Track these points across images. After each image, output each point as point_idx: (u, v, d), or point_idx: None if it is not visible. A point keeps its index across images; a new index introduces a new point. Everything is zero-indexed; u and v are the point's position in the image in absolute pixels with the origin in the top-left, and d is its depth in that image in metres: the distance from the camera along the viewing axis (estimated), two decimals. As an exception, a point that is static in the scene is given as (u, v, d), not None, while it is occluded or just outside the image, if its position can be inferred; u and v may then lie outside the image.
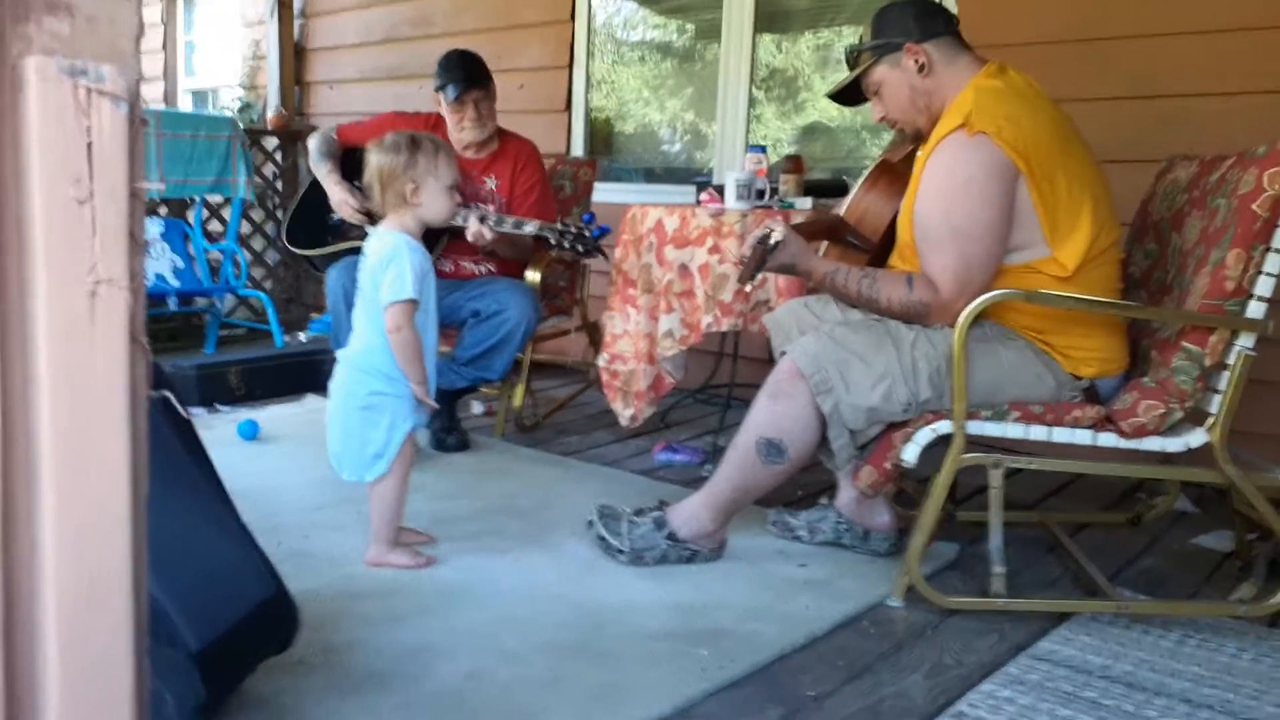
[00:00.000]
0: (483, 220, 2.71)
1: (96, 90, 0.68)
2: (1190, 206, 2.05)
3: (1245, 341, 1.86)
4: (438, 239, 2.93)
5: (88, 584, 0.68)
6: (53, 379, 0.67)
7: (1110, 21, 2.96)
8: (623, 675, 1.66)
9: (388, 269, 2.02)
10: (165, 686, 1.15)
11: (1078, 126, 2.05)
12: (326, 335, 3.41)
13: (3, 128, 0.63)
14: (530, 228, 2.74)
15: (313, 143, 3.20)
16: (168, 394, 1.29)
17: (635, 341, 2.89)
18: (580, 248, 2.69)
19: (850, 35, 3.66)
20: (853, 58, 2.18)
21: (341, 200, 3.05)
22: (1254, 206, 1.80)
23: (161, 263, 4.41)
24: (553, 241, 2.72)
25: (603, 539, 2.16)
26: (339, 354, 2.14)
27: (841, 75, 2.23)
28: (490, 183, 3.12)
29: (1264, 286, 1.84)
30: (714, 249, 2.71)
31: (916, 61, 2.07)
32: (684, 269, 2.78)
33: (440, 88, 3.05)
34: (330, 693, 1.57)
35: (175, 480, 1.32)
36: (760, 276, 2.32)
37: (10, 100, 0.63)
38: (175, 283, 4.43)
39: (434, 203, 2.11)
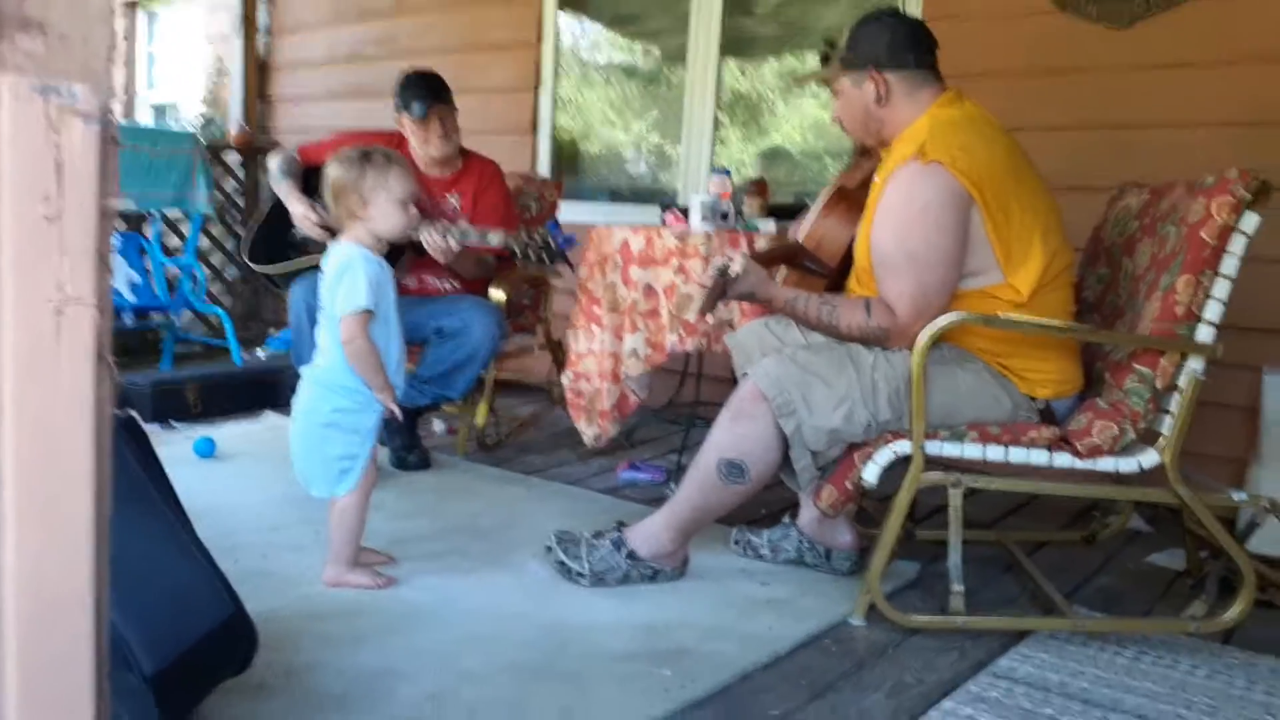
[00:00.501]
0: (446, 234, 2.70)
1: (68, 109, 0.67)
2: (1141, 233, 2.11)
3: (1195, 364, 1.91)
4: (401, 255, 2.92)
5: (49, 607, 0.67)
6: (17, 396, 0.67)
7: (1069, 53, 3.03)
8: (586, 696, 1.66)
9: (341, 281, 2.01)
10: (119, 711, 1.13)
11: (1029, 155, 2.09)
12: (285, 352, 3.37)
13: (-27, 144, 0.63)
14: (495, 238, 2.74)
15: (273, 162, 3.16)
16: (132, 413, 1.27)
17: (600, 360, 2.90)
18: (546, 258, 2.68)
19: (814, 61, 3.71)
20: (825, 56, 2.21)
21: (303, 215, 3.01)
22: (1203, 234, 1.86)
23: (117, 277, 4.33)
24: (518, 252, 2.71)
25: (563, 564, 2.15)
26: (303, 371, 2.12)
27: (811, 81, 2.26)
28: (454, 200, 3.12)
29: (1213, 311, 1.90)
30: (679, 269, 2.73)
31: (876, 89, 2.10)
32: (649, 289, 2.80)
33: (404, 106, 3.04)
34: (291, 716, 1.54)
35: (133, 499, 1.30)
36: (721, 305, 2.35)
37: (-21, 116, 0.63)
38: (131, 298, 4.36)
39: (385, 216, 2.09)
